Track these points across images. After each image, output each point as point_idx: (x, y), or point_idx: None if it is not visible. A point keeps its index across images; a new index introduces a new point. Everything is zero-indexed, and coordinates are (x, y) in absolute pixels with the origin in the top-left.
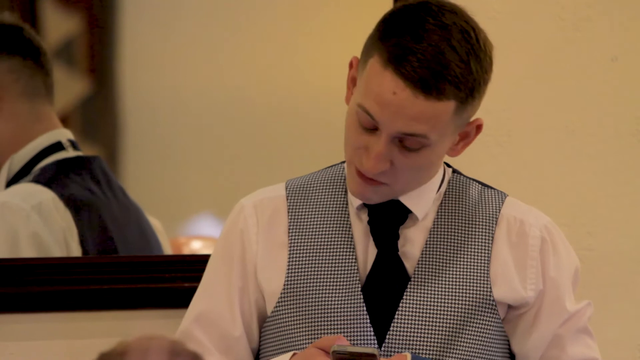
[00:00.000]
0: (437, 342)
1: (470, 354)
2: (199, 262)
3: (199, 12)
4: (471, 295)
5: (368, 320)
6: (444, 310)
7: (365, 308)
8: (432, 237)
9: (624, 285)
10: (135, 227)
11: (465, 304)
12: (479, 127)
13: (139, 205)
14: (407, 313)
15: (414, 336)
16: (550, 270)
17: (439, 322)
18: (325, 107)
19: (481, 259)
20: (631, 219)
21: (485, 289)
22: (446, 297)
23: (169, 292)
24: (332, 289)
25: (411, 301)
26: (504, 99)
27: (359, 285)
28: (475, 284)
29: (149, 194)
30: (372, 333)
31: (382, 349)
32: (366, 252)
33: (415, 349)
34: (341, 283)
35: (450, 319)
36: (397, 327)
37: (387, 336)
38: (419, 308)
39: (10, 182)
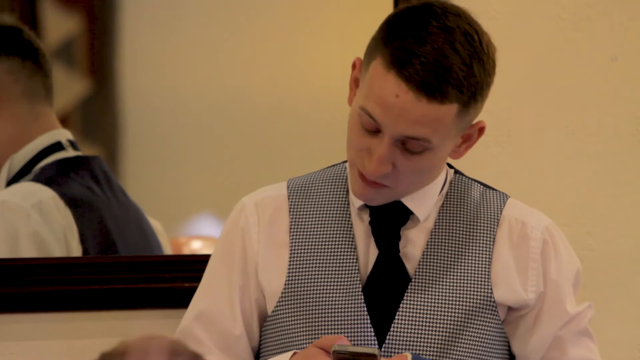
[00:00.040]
0: (437, 343)
1: (469, 355)
2: (199, 262)
3: (199, 12)
4: (472, 297)
5: (369, 321)
6: (444, 312)
7: (365, 308)
8: (433, 238)
9: (624, 285)
10: (135, 227)
11: (465, 305)
12: (481, 130)
13: (139, 205)
14: (407, 314)
15: (414, 337)
16: (552, 273)
17: (439, 323)
18: (325, 107)
19: (482, 261)
20: (631, 219)
21: (485, 291)
22: (447, 298)
23: (169, 292)
24: (333, 289)
25: (412, 302)
26: (504, 99)
27: (360, 286)
28: (476, 286)
29: (149, 194)
30: (373, 333)
31: (383, 349)
32: (367, 253)
33: (416, 349)
34: (342, 283)
35: (450, 320)
36: (397, 327)
37: (388, 337)
38: (420, 309)
39: (11, 182)
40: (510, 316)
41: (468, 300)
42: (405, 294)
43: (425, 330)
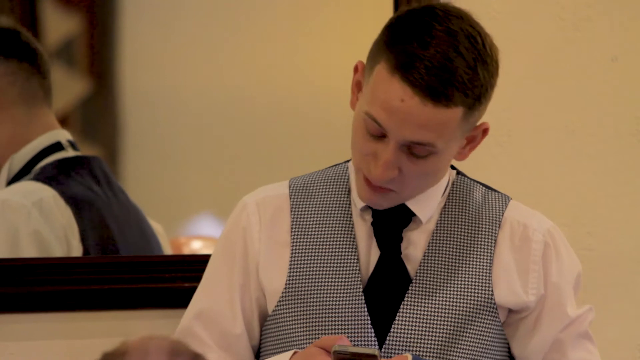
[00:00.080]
0: (437, 344)
1: (469, 357)
2: (199, 262)
3: (199, 12)
4: (472, 298)
5: (369, 322)
6: (444, 313)
7: (366, 309)
8: (435, 239)
9: (624, 285)
10: (135, 227)
11: (466, 307)
12: (485, 131)
13: (139, 206)
14: (407, 315)
15: (414, 338)
16: (553, 275)
17: (439, 325)
18: (325, 107)
19: (483, 262)
20: (631, 219)
21: (486, 292)
22: (447, 299)
23: (169, 292)
24: (334, 290)
25: (412, 303)
26: (504, 99)
27: (361, 287)
28: (476, 287)
29: (149, 194)
30: (373, 334)
31: (383, 350)
32: (369, 254)
33: (416, 350)
34: (343, 284)
35: (450, 322)
36: (397, 328)
37: (388, 337)
38: (420, 310)
39: (11, 182)
40: (510, 318)
41: (468, 301)
42: (406, 295)
43: (425, 331)
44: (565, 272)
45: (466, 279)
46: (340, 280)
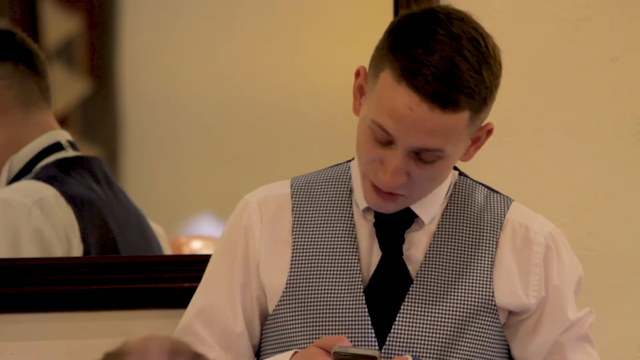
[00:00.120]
0: (437, 345)
1: (469, 358)
2: (199, 262)
3: (199, 12)
4: (473, 300)
5: (369, 322)
6: (445, 314)
7: (367, 310)
8: (436, 240)
9: (624, 285)
10: (135, 228)
11: (466, 308)
12: (489, 131)
13: (138, 207)
14: (408, 316)
15: (414, 339)
16: (554, 278)
17: (440, 326)
18: (326, 107)
19: (484, 264)
20: (631, 219)
21: (487, 294)
22: (448, 301)
23: (169, 292)
24: (334, 290)
25: (413, 304)
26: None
27: (361, 287)
28: (477, 289)
29: (149, 194)
30: (374, 335)
31: (383, 351)
32: (370, 254)
33: (416, 351)
34: (343, 284)
35: (450, 323)
36: (397, 329)
37: (388, 338)
38: (420, 311)
39: (11, 183)
40: (510, 320)
41: (469, 303)
42: (407, 296)
43: (425, 332)
44: (567, 275)
45: (467, 281)
46: (341, 280)
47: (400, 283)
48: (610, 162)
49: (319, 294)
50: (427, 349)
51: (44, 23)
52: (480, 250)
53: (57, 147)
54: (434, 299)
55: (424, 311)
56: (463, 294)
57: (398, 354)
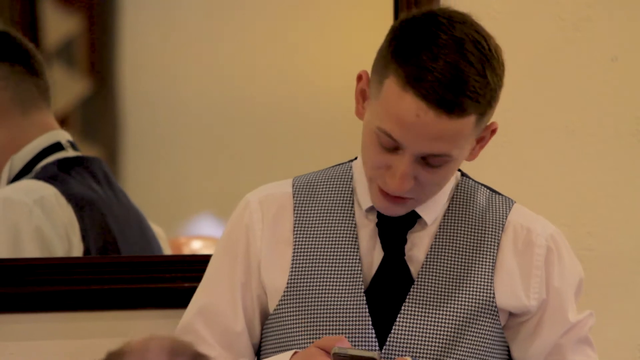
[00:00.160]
0: (438, 346)
1: (469, 359)
2: (199, 262)
3: (199, 12)
4: (474, 301)
5: (370, 323)
6: (445, 315)
7: (367, 310)
8: (437, 241)
9: (624, 285)
10: (136, 228)
11: (467, 309)
12: (493, 131)
13: (138, 207)
14: (408, 316)
15: (414, 339)
16: (555, 280)
17: (440, 327)
18: (326, 107)
19: (486, 265)
20: (631, 219)
21: (488, 295)
22: (449, 301)
23: (169, 292)
24: (335, 290)
25: (413, 304)
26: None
27: (362, 287)
28: (478, 290)
29: (149, 194)
30: (374, 335)
31: (383, 351)
32: (372, 255)
33: (416, 352)
34: (344, 284)
35: (451, 324)
36: (398, 330)
37: (388, 339)
38: (421, 312)
39: (12, 183)
40: (511, 322)
41: (470, 304)
42: (408, 297)
43: (425, 333)
44: (567, 277)
45: (468, 282)
46: (341, 280)
47: (401, 283)
48: (610, 162)
49: (319, 294)
50: (427, 349)
51: (44, 23)
52: (481, 252)
53: (57, 147)
54: (435, 300)
55: (425, 312)
56: (464, 295)
57: (398, 355)
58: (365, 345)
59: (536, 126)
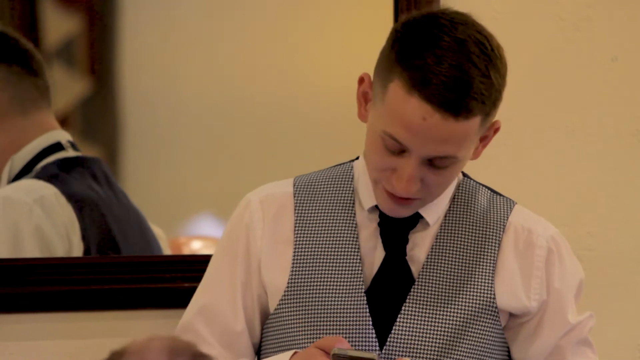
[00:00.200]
0: (438, 347)
1: (469, 359)
2: (199, 262)
3: (199, 12)
4: (474, 302)
5: (370, 323)
6: (445, 315)
7: (368, 310)
8: (439, 241)
9: (624, 285)
10: (136, 228)
11: (467, 310)
12: (497, 130)
13: (138, 207)
14: (409, 317)
15: (415, 340)
16: (555, 282)
17: (440, 327)
18: (326, 107)
19: (486, 266)
20: (631, 219)
21: (488, 296)
22: (449, 302)
23: (169, 292)
24: (336, 290)
25: (414, 304)
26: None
27: (363, 287)
28: (479, 291)
29: (149, 194)
30: (374, 335)
31: (383, 351)
32: (373, 255)
33: (416, 352)
34: (345, 284)
35: (451, 324)
36: (398, 330)
37: (389, 339)
38: (421, 312)
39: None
40: (511, 322)
41: (470, 304)
42: (408, 297)
43: (426, 333)
44: (568, 279)
45: (469, 282)
46: (342, 280)
47: (402, 283)
48: (610, 162)
49: (320, 294)
50: (427, 350)
51: (44, 23)
52: (482, 252)
53: (57, 147)
54: (436, 300)
55: (425, 312)
56: (464, 296)
57: (399, 355)
58: (365, 346)
59: (536, 126)
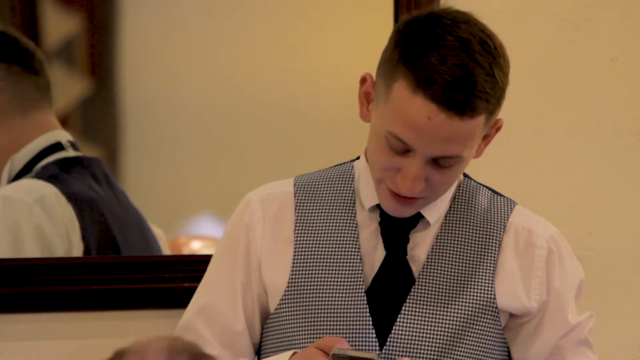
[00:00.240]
0: (438, 347)
1: (469, 359)
2: (199, 262)
3: (199, 12)
4: (474, 302)
5: (370, 323)
6: (446, 315)
7: (368, 310)
8: (439, 241)
9: (624, 285)
10: (136, 228)
11: (468, 310)
12: (498, 128)
13: (138, 208)
14: (409, 316)
15: (415, 340)
16: (555, 282)
17: (440, 327)
18: (326, 107)
19: (487, 266)
20: (631, 219)
21: (489, 296)
22: (449, 302)
23: (169, 292)
24: (336, 290)
25: (414, 304)
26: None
27: (363, 287)
28: (479, 291)
29: (149, 194)
30: (374, 335)
31: (383, 351)
32: (373, 254)
33: (416, 351)
34: (345, 284)
35: (451, 324)
36: (398, 330)
37: (389, 339)
38: (422, 311)
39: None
40: (511, 323)
41: (470, 304)
42: (408, 296)
43: (426, 333)
44: (568, 279)
45: (469, 282)
46: (342, 280)
47: (402, 283)
48: (610, 162)
49: (320, 294)
50: (427, 350)
51: (44, 23)
52: (482, 253)
53: (57, 147)
54: (436, 300)
55: (425, 312)
56: (465, 296)
57: (399, 355)
58: (365, 345)
59: (536, 126)
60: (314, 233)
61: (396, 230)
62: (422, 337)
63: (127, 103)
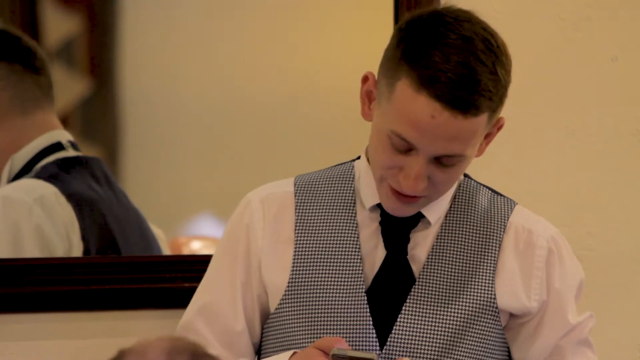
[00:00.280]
0: (438, 346)
1: (469, 359)
2: (199, 262)
3: (199, 12)
4: (475, 301)
5: (371, 323)
6: (446, 315)
7: (368, 310)
8: (439, 241)
9: (624, 285)
10: (136, 228)
11: (468, 310)
12: (500, 127)
13: (138, 208)
14: (409, 316)
15: (415, 339)
16: (555, 282)
17: (441, 327)
18: (326, 107)
19: (487, 266)
20: (631, 219)
21: (489, 296)
22: (450, 301)
23: (169, 292)
24: (336, 290)
25: (414, 304)
26: None
27: (363, 287)
28: (479, 291)
29: (149, 195)
30: (375, 335)
31: (384, 351)
32: (374, 254)
33: (416, 351)
34: (345, 284)
35: (452, 324)
36: (399, 330)
37: (389, 339)
38: (422, 311)
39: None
40: (511, 323)
41: (471, 304)
42: (409, 296)
43: (426, 333)
44: (568, 279)
45: (469, 282)
46: (343, 280)
47: (403, 283)
48: (610, 162)
49: (320, 294)
50: (427, 349)
51: (44, 23)
52: (483, 252)
53: (57, 146)
54: (436, 300)
55: (426, 312)
56: (465, 296)
57: (399, 355)
58: (365, 345)
59: (536, 126)
60: (314, 233)
61: (397, 230)
62: (423, 337)
63: (127, 103)
